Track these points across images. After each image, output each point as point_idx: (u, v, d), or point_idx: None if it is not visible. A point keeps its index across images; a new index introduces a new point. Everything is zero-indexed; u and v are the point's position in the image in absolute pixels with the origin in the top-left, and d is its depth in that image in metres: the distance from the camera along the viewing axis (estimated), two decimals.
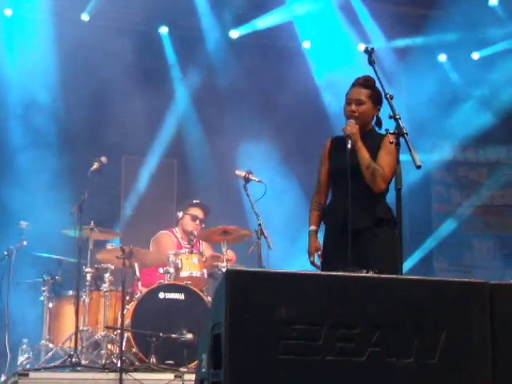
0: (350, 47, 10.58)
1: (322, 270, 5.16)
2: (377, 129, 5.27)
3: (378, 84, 4.90)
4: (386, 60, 10.79)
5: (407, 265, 9.62)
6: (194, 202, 8.49)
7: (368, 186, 5.06)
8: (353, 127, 5.05)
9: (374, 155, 5.10)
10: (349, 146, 4.97)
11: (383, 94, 4.71)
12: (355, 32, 10.58)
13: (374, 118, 5.25)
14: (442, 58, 11.38)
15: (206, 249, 8.33)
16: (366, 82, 5.18)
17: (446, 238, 10.72)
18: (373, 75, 4.89)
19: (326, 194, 5.34)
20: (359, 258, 4.90)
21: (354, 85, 5.24)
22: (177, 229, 8.41)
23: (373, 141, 5.13)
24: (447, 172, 11.47)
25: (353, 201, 4.96)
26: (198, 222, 8.30)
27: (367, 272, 4.71)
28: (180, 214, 8.36)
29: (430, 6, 10.69)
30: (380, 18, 10.67)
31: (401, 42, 10.92)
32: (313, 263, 5.22)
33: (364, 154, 5.03)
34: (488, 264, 9.90)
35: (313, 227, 5.29)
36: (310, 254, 5.25)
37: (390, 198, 5.02)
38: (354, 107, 5.15)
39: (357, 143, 5.02)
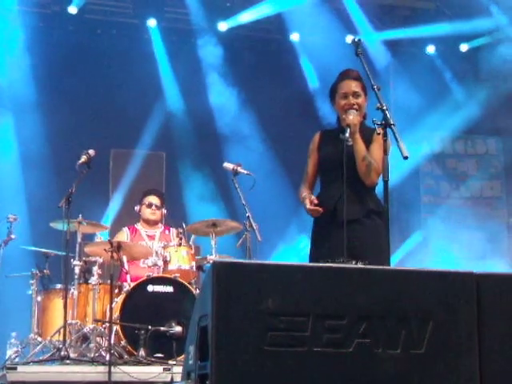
0: (338, 39, 10.57)
1: (309, 261, 5.15)
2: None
3: (364, 75, 4.89)
4: (373, 51, 10.80)
5: (396, 256, 9.64)
6: (147, 190, 8.55)
7: (359, 177, 5.05)
8: (355, 118, 5.01)
9: (366, 147, 5.09)
10: (347, 134, 4.87)
11: (370, 85, 4.70)
12: (343, 24, 10.56)
13: None
14: (431, 49, 11.39)
15: (174, 236, 8.28)
16: (356, 75, 5.18)
17: (434, 230, 10.74)
18: (360, 66, 4.88)
19: (312, 186, 5.32)
20: (348, 248, 4.88)
21: (344, 78, 5.22)
22: (138, 224, 8.41)
23: (364, 133, 5.12)
24: (436, 164, 11.48)
25: (342, 192, 4.95)
26: (153, 207, 8.33)
27: (356, 263, 4.71)
28: (137, 208, 8.39)
29: None
30: (368, 9, 10.67)
31: (389, 34, 10.91)
32: (310, 202, 5.06)
33: (361, 146, 5.01)
34: (476, 255, 9.91)
35: (304, 193, 5.20)
36: (305, 199, 5.10)
37: (378, 189, 5.02)
38: (353, 100, 5.13)
39: (354, 134, 5.00)
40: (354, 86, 5.15)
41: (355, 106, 5.11)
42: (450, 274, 3.46)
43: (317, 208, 5.02)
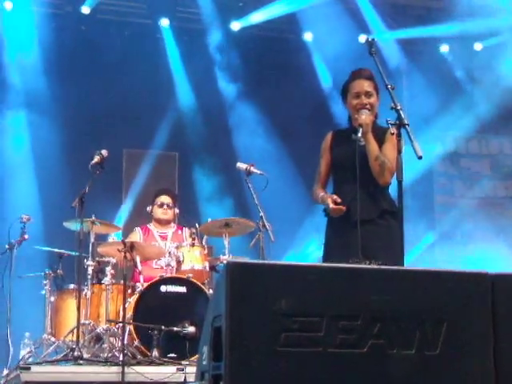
0: (351, 38, 10.54)
1: (323, 261, 5.14)
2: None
3: (378, 75, 4.87)
4: (386, 51, 10.77)
5: (410, 256, 9.60)
6: (158, 190, 8.55)
7: (372, 177, 5.03)
8: (367, 118, 5.01)
9: (379, 147, 5.08)
10: (359, 134, 4.87)
11: (384, 85, 4.69)
12: (357, 23, 10.53)
13: None
14: (444, 48, 11.35)
15: (187, 236, 8.27)
16: (369, 75, 5.17)
17: (448, 230, 10.70)
18: (374, 66, 4.87)
19: (325, 186, 5.31)
20: (362, 249, 4.87)
21: (356, 77, 5.21)
22: (151, 224, 8.41)
23: (377, 133, 5.11)
24: (450, 164, 11.45)
25: (356, 193, 4.95)
26: (165, 207, 8.32)
27: (370, 263, 4.70)
28: (149, 208, 8.39)
29: None
30: (381, 8, 10.64)
31: (402, 33, 10.88)
32: (332, 202, 5.05)
33: (373, 146, 5.01)
34: (490, 255, 9.87)
35: (322, 193, 5.20)
36: (326, 199, 5.11)
37: (392, 190, 5.00)
38: (365, 100, 5.12)
39: (367, 134, 4.98)
40: (366, 85, 5.14)
41: (367, 106, 5.10)
42: (465, 274, 3.44)
43: (340, 207, 5.02)
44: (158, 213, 8.32)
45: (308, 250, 9.98)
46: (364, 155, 5.01)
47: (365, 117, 5.00)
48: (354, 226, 4.92)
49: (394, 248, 4.67)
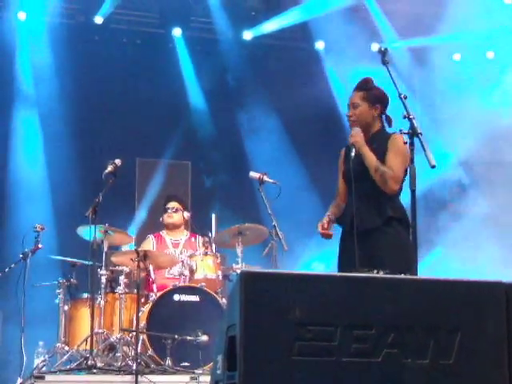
0: (364, 48, 10.55)
1: (338, 270, 5.16)
2: (387, 129, 5.27)
3: (391, 84, 4.87)
4: (400, 60, 10.76)
5: (423, 264, 9.56)
6: (166, 197, 8.62)
7: (375, 187, 5.07)
8: (355, 135, 5.11)
9: (382, 156, 5.10)
10: (352, 154, 5.05)
11: (398, 94, 4.69)
12: (369, 32, 10.54)
13: (383, 118, 5.25)
14: (457, 57, 11.33)
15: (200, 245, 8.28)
16: (360, 85, 5.26)
17: (459, 239, 10.66)
18: (386, 75, 4.87)
19: (343, 200, 5.35)
20: (369, 258, 4.89)
21: (353, 90, 5.30)
22: (164, 231, 8.43)
23: (380, 142, 5.14)
24: (463, 172, 11.40)
25: (361, 203, 5.01)
26: (169, 211, 8.34)
27: (377, 272, 4.70)
28: (161, 219, 8.43)
29: (444, 5, 10.64)
30: (393, 17, 10.63)
31: (415, 42, 10.87)
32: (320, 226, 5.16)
33: (370, 158, 5.05)
34: (505, 265, 9.81)
35: (327, 213, 5.29)
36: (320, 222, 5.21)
37: (406, 199, 5.00)
38: (349, 112, 5.22)
39: (361, 149, 5.06)
40: (354, 96, 5.25)
41: (351, 118, 5.22)
42: (479, 283, 3.44)
43: (326, 232, 5.12)
44: (165, 218, 8.36)
45: (317, 260, 10.00)
46: (364, 167, 5.07)
47: (353, 137, 5.09)
48: (359, 237, 4.96)
49: (404, 255, 4.71)
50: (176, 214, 8.35)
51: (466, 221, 10.68)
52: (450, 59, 11.32)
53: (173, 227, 8.37)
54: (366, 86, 5.21)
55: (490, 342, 3.32)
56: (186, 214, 8.39)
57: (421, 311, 3.31)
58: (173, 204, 8.38)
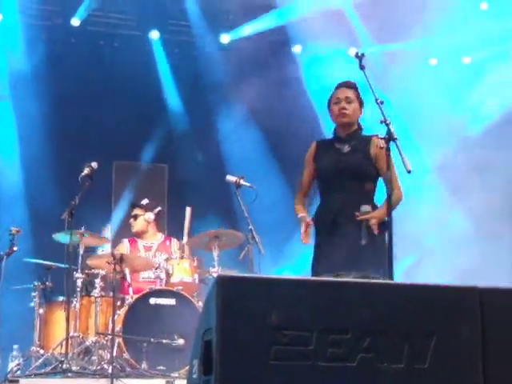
0: (340, 52, 10.58)
1: (312, 274, 5.15)
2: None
3: (368, 89, 4.90)
4: (375, 64, 10.79)
5: (399, 269, 9.60)
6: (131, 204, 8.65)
7: (358, 187, 5.08)
8: (373, 217, 5.00)
9: (360, 155, 5.12)
10: (363, 241, 4.95)
11: (374, 99, 4.71)
12: (346, 36, 10.57)
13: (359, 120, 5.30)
14: (433, 62, 11.40)
15: (176, 249, 8.29)
16: (350, 84, 5.28)
17: (438, 243, 10.71)
18: (363, 80, 4.90)
19: (307, 195, 5.36)
20: (348, 260, 4.90)
21: (340, 86, 5.31)
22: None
23: (359, 141, 5.18)
24: (438, 177, 11.45)
25: (342, 202, 5.00)
26: (131, 220, 8.39)
27: (359, 276, 4.71)
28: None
29: (420, 9, 10.69)
30: (370, 22, 10.67)
31: (391, 47, 10.91)
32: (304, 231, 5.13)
33: (382, 216, 4.93)
34: (481, 268, 9.87)
35: (301, 214, 5.24)
36: (301, 226, 5.17)
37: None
38: (345, 105, 5.18)
39: (374, 219, 4.99)
40: (347, 92, 5.21)
41: (347, 111, 5.16)
42: (453, 288, 3.46)
43: (307, 240, 5.09)
44: (132, 225, 8.39)
45: (297, 262, 9.99)
46: (349, 165, 5.07)
47: (372, 217, 4.99)
48: (341, 238, 4.95)
49: (380, 258, 4.71)
50: (136, 221, 8.35)
51: (442, 226, 10.74)
52: (426, 64, 11.38)
53: (140, 234, 8.36)
54: (354, 86, 5.24)
55: (465, 347, 3.34)
56: (148, 216, 8.34)
57: (396, 316, 3.32)
58: (134, 211, 8.39)
